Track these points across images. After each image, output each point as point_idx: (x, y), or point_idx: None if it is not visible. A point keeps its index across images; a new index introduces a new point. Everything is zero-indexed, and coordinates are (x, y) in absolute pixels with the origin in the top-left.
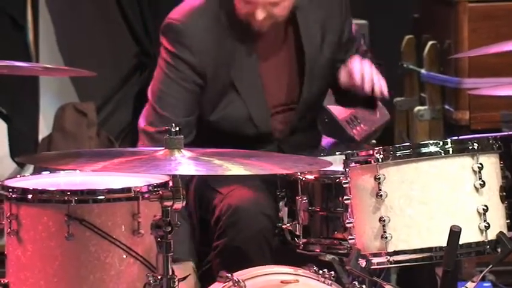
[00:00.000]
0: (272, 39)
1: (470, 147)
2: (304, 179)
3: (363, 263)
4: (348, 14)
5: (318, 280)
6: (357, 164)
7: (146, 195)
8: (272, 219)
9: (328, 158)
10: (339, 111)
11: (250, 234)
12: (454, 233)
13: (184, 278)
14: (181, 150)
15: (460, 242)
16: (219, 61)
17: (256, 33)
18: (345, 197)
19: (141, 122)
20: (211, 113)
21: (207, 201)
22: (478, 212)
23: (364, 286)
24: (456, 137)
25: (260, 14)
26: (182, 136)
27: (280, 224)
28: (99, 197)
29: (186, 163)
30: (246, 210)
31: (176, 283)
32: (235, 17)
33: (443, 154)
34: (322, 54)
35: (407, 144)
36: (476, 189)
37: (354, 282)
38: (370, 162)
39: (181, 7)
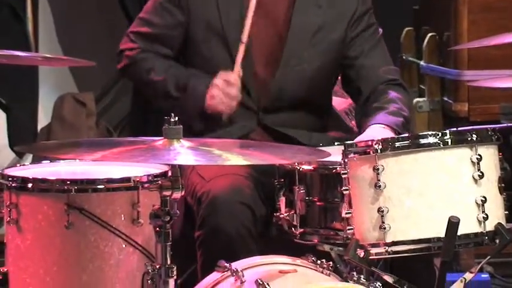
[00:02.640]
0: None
1: (469, 139)
2: (301, 169)
3: (361, 253)
4: (364, 11)
5: (316, 270)
6: (356, 155)
7: (146, 185)
8: (252, 208)
9: (327, 149)
10: (338, 103)
11: (228, 223)
12: (453, 224)
13: None
14: (181, 140)
15: (459, 233)
16: (210, 3)
17: None
18: (343, 188)
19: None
20: (195, 61)
21: (192, 186)
22: (477, 203)
23: (362, 276)
24: (455, 129)
25: None
26: (181, 126)
27: (277, 214)
28: (98, 187)
29: (185, 153)
30: (224, 199)
31: (174, 273)
32: None
33: (442, 145)
34: (312, 43)
35: (406, 135)
36: (475, 180)
37: (352, 273)
38: (369, 153)
39: None
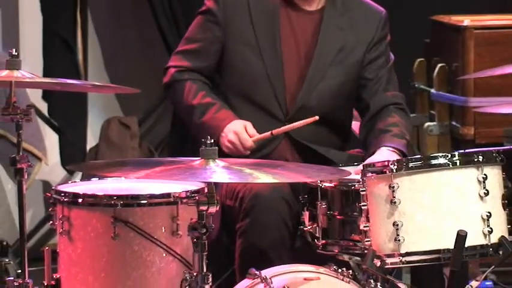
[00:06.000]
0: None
1: (475, 160)
2: (323, 186)
3: (377, 262)
4: (382, 37)
5: (337, 278)
6: (373, 174)
7: (184, 200)
8: (290, 204)
9: (347, 168)
10: (356, 126)
11: (269, 216)
12: (461, 237)
13: None
14: (216, 160)
15: (466, 245)
16: (245, 21)
17: (295, 8)
18: (361, 203)
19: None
20: (230, 74)
21: (233, 189)
22: (482, 218)
23: (378, 284)
24: (463, 150)
25: None
26: (216, 148)
27: (302, 227)
28: (142, 202)
29: (219, 172)
30: (266, 194)
31: (209, 279)
32: None
33: (451, 166)
34: (334, 62)
35: (419, 156)
36: (481, 197)
37: (370, 280)
38: (385, 172)
39: None
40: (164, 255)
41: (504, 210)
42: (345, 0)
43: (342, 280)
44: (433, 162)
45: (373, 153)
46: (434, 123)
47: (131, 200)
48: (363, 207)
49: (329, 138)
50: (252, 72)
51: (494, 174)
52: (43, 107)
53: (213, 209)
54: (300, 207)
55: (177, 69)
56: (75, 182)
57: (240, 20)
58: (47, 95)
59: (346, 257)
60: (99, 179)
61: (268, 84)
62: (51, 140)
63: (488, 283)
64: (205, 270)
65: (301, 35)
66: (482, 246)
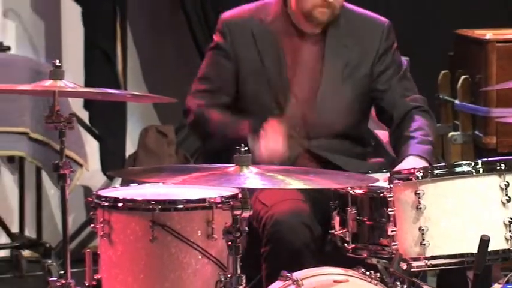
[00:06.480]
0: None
1: (498, 168)
2: (353, 192)
3: (404, 266)
4: (388, 47)
5: (366, 280)
6: (400, 181)
7: (219, 205)
8: (311, 227)
9: (375, 175)
10: (383, 135)
11: (290, 242)
12: (484, 242)
13: None
14: (249, 167)
15: (489, 249)
16: (251, 50)
17: (298, 33)
18: (389, 209)
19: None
20: (242, 101)
21: (257, 213)
22: (504, 224)
23: (404, 286)
24: (485, 159)
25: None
26: (250, 155)
27: (332, 231)
28: (179, 206)
29: (253, 178)
30: (286, 221)
31: (243, 281)
32: (286, 18)
33: (474, 173)
34: (343, 78)
35: (443, 164)
36: (503, 203)
37: (396, 283)
38: (411, 179)
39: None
40: (200, 257)
41: None
42: (348, 17)
43: (370, 282)
44: (457, 170)
45: (401, 162)
46: (458, 132)
47: (169, 205)
48: (390, 213)
49: (346, 148)
50: (262, 98)
51: None
52: (84, 115)
53: (246, 214)
54: (330, 212)
55: (198, 107)
56: (115, 187)
57: (247, 49)
58: (88, 104)
59: (374, 261)
60: (137, 184)
61: (276, 108)
62: (91, 147)
63: (510, 286)
64: (239, 272)
65: (307, 58)
66: (504, 250)
